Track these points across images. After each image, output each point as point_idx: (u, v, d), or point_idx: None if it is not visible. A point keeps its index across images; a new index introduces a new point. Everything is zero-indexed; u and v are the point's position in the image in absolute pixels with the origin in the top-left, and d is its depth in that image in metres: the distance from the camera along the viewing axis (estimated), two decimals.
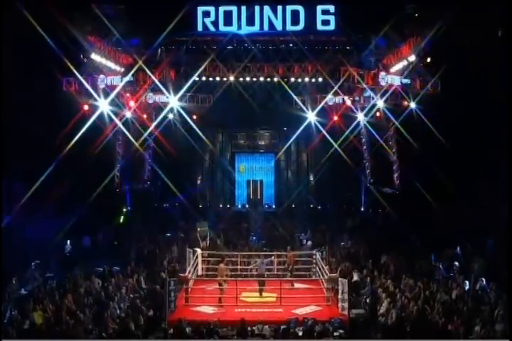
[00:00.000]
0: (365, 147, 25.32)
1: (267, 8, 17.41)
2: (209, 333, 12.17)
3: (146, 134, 22.55)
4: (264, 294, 15.99)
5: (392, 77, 18.17)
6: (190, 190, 26.16)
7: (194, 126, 22.49)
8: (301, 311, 14.69)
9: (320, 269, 17.26)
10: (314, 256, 18.22)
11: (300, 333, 12.45)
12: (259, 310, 14.78)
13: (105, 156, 21.05)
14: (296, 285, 16.98)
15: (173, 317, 13.88)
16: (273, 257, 18.24)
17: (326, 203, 24.84)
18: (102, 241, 20.32)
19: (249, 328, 12.58)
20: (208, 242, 20.48)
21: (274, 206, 28.04)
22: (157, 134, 22.97)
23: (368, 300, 15.13)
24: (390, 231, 20.03)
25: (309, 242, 21.04)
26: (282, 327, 12.66)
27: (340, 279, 15.05)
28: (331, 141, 22.81)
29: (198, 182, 28.19)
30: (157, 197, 23.31)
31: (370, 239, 20.48)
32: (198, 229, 20.31)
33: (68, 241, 19.07)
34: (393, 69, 18.30)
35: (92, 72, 17.76)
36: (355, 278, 16.44)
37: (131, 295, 15.33)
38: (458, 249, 17.63)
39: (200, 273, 17.99)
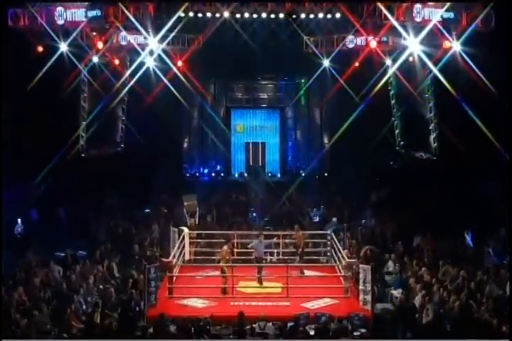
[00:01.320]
0: (393, 101, 25.03)
1: None
2: (199, 332, 12.29)
3: (118, 84, 22.38)
4: (266, 283, 16.19)
5: (430, 11, 17.75)
6: (175, 155, 25.97)
7: (179, 75, 22.36)
8: (313, 305, 14.84)
9: (336, 253, 17.43)
10: (329, 237, 18.40)
11: (311, 332, 12.57)
12: (260, 303, 14.92)
13: (67, 113, 20.83)
14: (307, 272, 17.11)
15: (153, 313, 13.97)
16: (275, 238, 18.40)
17: (344, 171, 24.75)
18: (63, 218, 20.30)
19: (248, 326, 12.72)
20: (198, 220, 20.75)
21: (279, 175, 28.19)
22: (133, 85, 22.58)
23: (396, 293, 15.31)
24: (425, 207, 20.01)
25: (322, 219, 21.42)
26: (289, 324, 12.79)
27: (361, 266, 15.12)
28: (351, 93, 22.79)
29: (185, 145, 28.17)
30: (132, 164, 23.12)
31: (399, 216, 20.65)
32: (185, 204, 20.53)
33: (19, 220, 19.07)
34: None
35: (48, 3, 17.23)
36: (383, 265, 16.58)
37: (101, 286, 15.45)
38: None
39: (187, 257, 18.25)
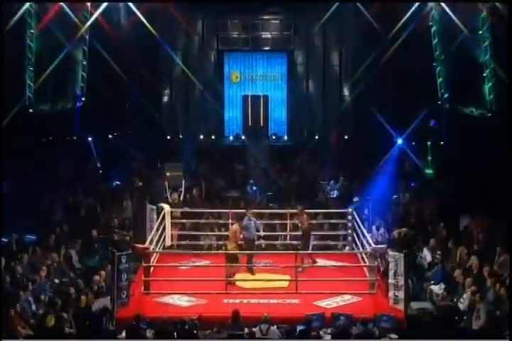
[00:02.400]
0: (436, 40, 24.60)
1: None
2: (183, 337, 12.39)
3: (77, 20, 22.16)
4: (269, 276, 16.38)
5: None
6: (152, 112, 25.87)
7: (157, 8, 22.35)
8: (329, 303, 14.97)
9: (359, 237, 17.61)
10: (350, 217, 18.52)
11: (327, 337, 12.73)
12: (262, 300, 15.00)
13: (7, 54, 20.47)
14: (321, 261, 17.29)
15: (125, 314, 14.11)
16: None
17: (370, 133, 24.69)
18: (7, 193, 20.01)
19: (246, 329, 12.80)
20: (182, 195, 20.90)
21: (285, 137, 28.14)
22: (97, 19, 22.34)
23: (437, 288, 15.35)
24: (475, 178, 20.05)
25: (341, 194, 21.75)
26: (299, 327, 12.82)
27: (391, 253, 15.09)
28: (380, 31, 22.64)
29: (165, 98, 28.10)
30: (97, 123, 23.00)
31: (442, 190, 20.77)
32: (168, 175, 20.69)
33: None
34: None
35: None
36: (421, 252, 16.69)
37: (57, 280, 15.52)
38: None
39: (168, 243, 18.62)
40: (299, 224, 17.68)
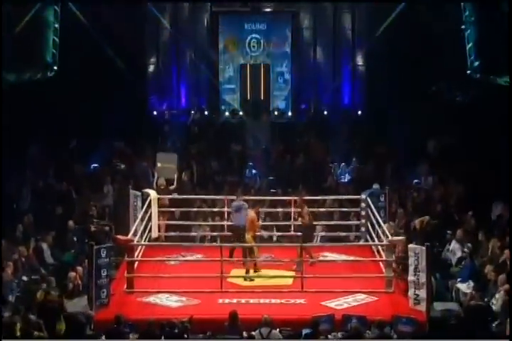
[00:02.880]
0: None
1: None
2: None
3: None
4: (271, 271, 16.51)
5: None
6: (135, 84, 25.98)
7: None
8: (340, 303, 15.05)
9: (374, 228, 17.71)
10: (363, 204, 18.60)
11: None
12: (262, 300, 15.10)
13: None
14: (330, 255, 17.62)
15: (105, 316, 14.16)
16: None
17: (388, 108, 24.72)
18: None
19: (245, 333, 12.89)
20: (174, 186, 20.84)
21: (289, 113, 28.10)
22: None
23: (465, 287, 15.41)
24: (510, 160, 19.76)
25: (354, 179, 21.87)
26: (304, 331, 12.94)
27: (411, 246, 15.10)
28: None
29: (151, 68, 28.09)
30: (71, 96, 23.10)
31: (470, 174, 20.83)
32: (159, 166, 20.27)
33: None
34: None
35: None
36: (448, 245, 16.85)
37: (25, 278, 15.63)
38: None
39: (155, 234, 18.61)
40: (299, 218, 17.74)
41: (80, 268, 15.79)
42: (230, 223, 18.03)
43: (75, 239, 17.72)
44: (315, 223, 18.09)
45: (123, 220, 18.10)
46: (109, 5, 23.12)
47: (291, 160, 23.45)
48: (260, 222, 17.20)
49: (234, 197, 18.48)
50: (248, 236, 16.58)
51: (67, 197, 20.23)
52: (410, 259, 14.90)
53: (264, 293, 15.36)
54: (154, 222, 18.46)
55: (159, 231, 18.76)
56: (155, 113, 27.04)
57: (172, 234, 18.89)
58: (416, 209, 19.45)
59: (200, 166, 22.77)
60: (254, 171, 22.74)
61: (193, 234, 19.06)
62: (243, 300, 15.04)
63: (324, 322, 13.44)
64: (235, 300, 15.02)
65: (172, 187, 19.46)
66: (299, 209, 17.79)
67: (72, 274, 15.57)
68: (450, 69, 23.73)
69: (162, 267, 16.61)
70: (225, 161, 23.70)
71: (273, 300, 15.04)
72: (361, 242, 18.56)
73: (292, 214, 18.76)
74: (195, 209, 19.36)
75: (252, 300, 15.07)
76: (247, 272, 16.27)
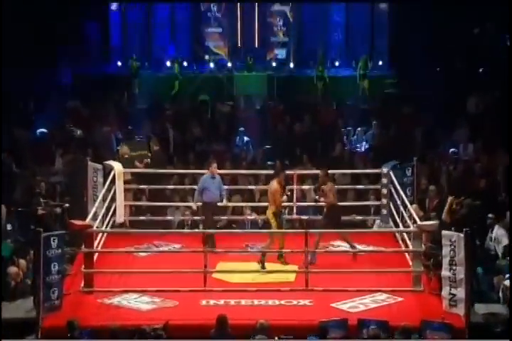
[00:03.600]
0: None
1: None
2: None
3: None
4: (269, 266, 16.46)
5: None
6: (93, 27, 26.10)
7: None
8: (354, 305, 15.10)
9: (398, 210, 17.80)
10: (385, 180, 18.59)
11: None
12: (257, 301, 15.12)
13: None
14: (341, 245, 17.72)
15: (56, 321, 14.09)
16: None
17: (416, 56, 24.87)
18: None
19: None
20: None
21: (291, 64, 28.31)
22: None
23: None
24: None
25: (372, 147, 21.95)
26: (310, 339, 13.08)
27: (446, 234, 14.96)
28: None
29: (113, 6, 28.30)
30: (14, 49, 23.28)
31: None
32: (123, 151, 19.99)
33: None
34: None
35: None
36: (490, 232, 16.78)
37: None
38: None
39: (120, 218, 18.61)
40: (320, 198, 17.53)
41: (23, 262, 15.65)
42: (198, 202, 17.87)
43: (9, 226, 17.43)
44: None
45: (79, 200, 17.96)
46: None
47: (292, 124, 23.42)
48: (285, 197, 17.02)
49: (224, 172, 18.79)
50: (269, 212, 16.73)
51: (5, 171, 19.98)
52: (444, 249, 14.71)
53: (259, 292, 15.27)
54: (119, 202, 18.38)
55: (125, 214, 18.68)
56: (119, 63, 27.21)
57: (142, 218, 18.82)
58: (452, 187, 19.34)
59: (177, 132, 22.87)
60: (246, 138, 22.97)
61: (169, 218, 19.03)
62: (233, 302, 14.99)
63: (335, 328, 13.37)
64: (222, 302, 14.97)
65: (144, 163, 19.54)
66: (321, 185, 17.55)
67: (13, 270, 15.35)
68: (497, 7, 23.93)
69: (130, 260, 16.63)
70: (209, 126, 23.76)
71: (270, 302, 14.98)
72: (381, 228, 18.55)
73: (295, 192, 18.59)
74: (171, 186, 19.30)
75: (243, 302, 14.98)
76: (262, 264, 16.23)
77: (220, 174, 18.24)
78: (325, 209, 17.41)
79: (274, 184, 16.87)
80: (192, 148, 22.42)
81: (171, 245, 17.63)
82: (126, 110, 23.31)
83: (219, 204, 17.83)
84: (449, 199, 17.70)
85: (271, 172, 19.40)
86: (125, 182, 18.75)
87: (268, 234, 16.76)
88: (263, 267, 16.24)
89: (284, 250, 16.37)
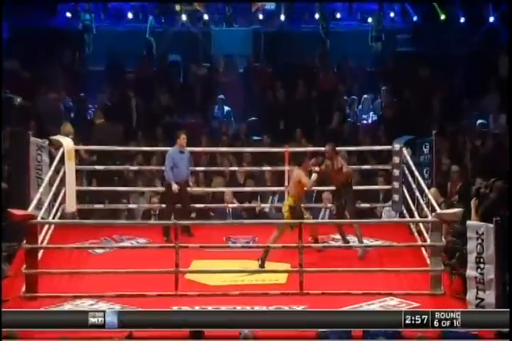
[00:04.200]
0: None
1: None
2: None
3: None
4: (254, 264, 16.49)
5: None
6: None
7: None
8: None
9: (413, 195, 17.97)
10: (396, 159, 18.71)
11: None
12: (240, 308, 15.08)
13: None
14: (348, 238, 17.69)
15: None
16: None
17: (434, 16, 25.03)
18: None
19: None
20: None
21: (282, 17, 28.38)
22: None
23: None
24: None
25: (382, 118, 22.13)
26: None
27: (472, 224, 15.05)
28: None
29: None
30: None
31: None
32: (66, 127, 20.48)
33: None
34: None
35: None
36: None
37: None
38: None
39: (71, 207, 18.67)
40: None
41: None
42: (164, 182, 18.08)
43: None
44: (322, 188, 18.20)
45: (19, 185, 17.89)
46: None
47: (283, 90, 23.45)
48: (311, 182, 16.93)
49: (199, 149, 19.25)
50: (286, 203, 16.87)
51: None
52: (470, 244, 14.76)
53: (242, 296, 15.34)
54: (70, 187, 18.33)
55: (77, 202, 18.62)
56: (69, 15, 27.41)
57: (97, 206, 18.83)
58: (479, 166, 19.37)
59: (141, 100, 22.96)
60: (226, 108, 23.25)
61: (132, 206, 19.03)
62: (210, 308, 15.00)
63: (336, 339, 13.43)
64: (197, 308, 15.00)
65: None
66: (328, 161, 17.72)
67: None
68: None
69: (83, 258, 16.63)
70: (182, 92, 23.83)
71: (257, 308, 14.95)
72: (393, 217, 18.60)
73: (286, 175, 18.55)
74: (134, 167, 19.30)
75: (224, 308, 14.94)
76: (262, 262, 16.21)
77: (193, 152, 18.38)
78: (335, 188, 17.59)
79: (300, 172, 16.85)
80: (160, 120, 22.47)
81: (134, 239, 17.64)
82: (77, 73, 23.45)
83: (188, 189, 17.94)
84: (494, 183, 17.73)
85: (257, 149, 19.50)
86: (79, 161, 18.84)
87: (276, 224, 16.69)
88: (262, 266, 16.18)
89: (274, 245, 16.28)
